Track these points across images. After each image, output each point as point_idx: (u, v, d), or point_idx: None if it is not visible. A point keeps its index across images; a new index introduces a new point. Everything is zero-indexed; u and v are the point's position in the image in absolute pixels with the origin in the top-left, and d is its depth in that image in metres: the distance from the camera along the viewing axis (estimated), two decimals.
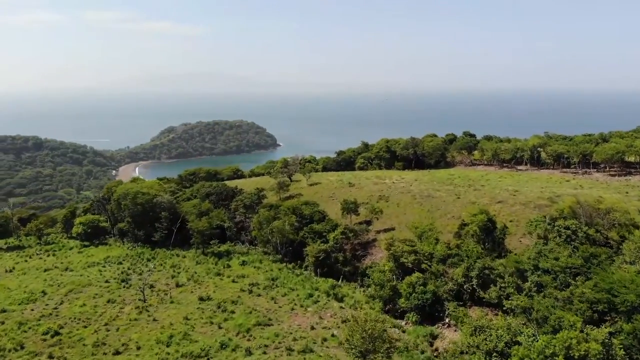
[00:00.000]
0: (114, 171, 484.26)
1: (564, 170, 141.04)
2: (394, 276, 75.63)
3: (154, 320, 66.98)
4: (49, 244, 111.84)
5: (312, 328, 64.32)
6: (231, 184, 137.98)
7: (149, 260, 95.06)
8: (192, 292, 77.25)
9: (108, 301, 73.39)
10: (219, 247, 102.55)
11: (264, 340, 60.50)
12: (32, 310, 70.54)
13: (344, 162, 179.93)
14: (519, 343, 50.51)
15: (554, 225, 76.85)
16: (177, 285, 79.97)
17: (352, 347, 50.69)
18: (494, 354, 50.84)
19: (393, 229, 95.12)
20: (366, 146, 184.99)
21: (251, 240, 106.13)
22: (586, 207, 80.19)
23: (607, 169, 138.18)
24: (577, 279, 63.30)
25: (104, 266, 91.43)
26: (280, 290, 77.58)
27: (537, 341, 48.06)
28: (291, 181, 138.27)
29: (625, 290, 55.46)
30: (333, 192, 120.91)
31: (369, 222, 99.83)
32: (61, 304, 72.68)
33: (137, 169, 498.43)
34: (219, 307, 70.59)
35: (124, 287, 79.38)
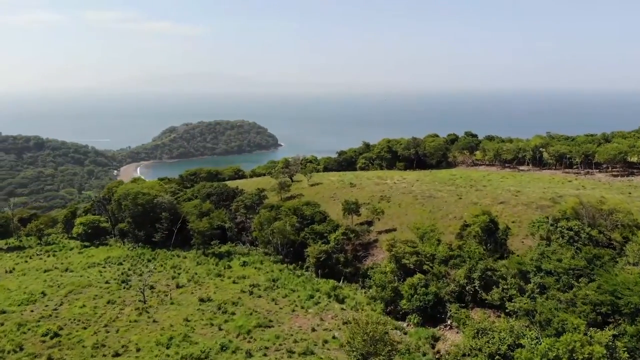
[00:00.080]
0: (115, 171, 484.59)
1: (566, 170, 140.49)
2: (396, 277, 75.19)
3: (154, 321, 66.60)
4: (50, 244, 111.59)
5: (313, 330, 63.88)
6: (232, 184, 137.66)
7: (149, 260, 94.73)
8: (192, 293, 76.87)
9: (108, 302, 73.04)
10: (219, 247, 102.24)
11: (264, 342, 60.07)
12: (32, 311, 70.21)
13: (345, 162, 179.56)
14: (521, 346, 50.04)
15: (556, 226, 76.29)
16: (178, 286, 79.62)
17: (354, 349, 50.28)
18: (497, 356, 50.35)
19: (394, 229, 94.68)
20: (367, 146, 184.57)
21: (252, 240, 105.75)
22: (589, 208, 79.64)
23: (610, 170, 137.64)
24: (580, 280, 62.74)
25: (104, 267, 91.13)
26: (281, 292, 77.16)
27: (541, 344, 47.57)
28: (292, 181, 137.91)
29: (629, 292, 54.93)
30: (334, 193, 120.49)
31: (370, 223, 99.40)
32: (61, 305, 72.34)
33: (138, 169, 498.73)
34: (219, 309, 70.21)
35: (124, 288, 79.04)
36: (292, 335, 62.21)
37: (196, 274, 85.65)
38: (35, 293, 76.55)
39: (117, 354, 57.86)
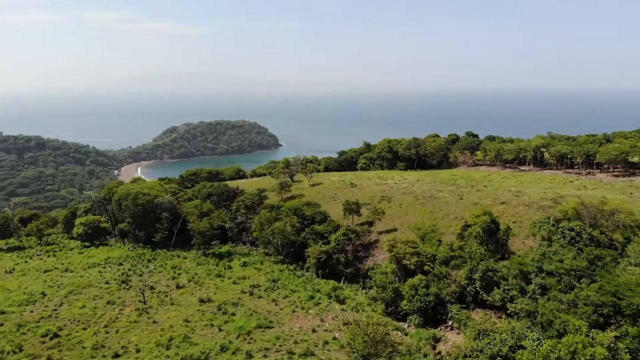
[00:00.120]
0: (116, 171, 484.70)
1: (567, 170, 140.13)
2: (396, 278, 75.02)
3: (154, 322, 66.40)
4: (50, 244, 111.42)
5: (314, 331, 63.64)
6: (233, 184, 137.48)
7: (149, 261, 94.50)
8: (192, 293, 76.65)
9: (108, 303, 72.86)
10: (220, 248, 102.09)
11: (264, 343, 59.85)
12: (32, 311, 70.03)
13: (346, 163, 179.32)
14: (523, 347, 49.87)
15: (558, 227, 76.03)
16: (178, 287, 79.41)
17: (354, 350, 50.05)
18: (498, 358, 50.21)
19: (395, 230, 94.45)
20: (368, 146, 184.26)
21: (252, 241, 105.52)
22: (590, 209, 79.35)
23: (611, 170, 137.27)
24: (581, 281, 62.51)
25: (104, 267, 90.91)
26: (282, 292, 76.92)
27: (542, 345, 47.39)
28: (293, 181, 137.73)
29: (630, 293, 54.70)
30: (335, 193, 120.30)
31: (370, 223, 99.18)
32: (61, 305, 72.18)
33: (139, 168, 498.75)
34: (219, 309, 69.98)
35: (124, 288, 78.83)
36: (292, 336, 61.99)
37: (196, 274, 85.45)
38: (35, 293, 76.37)
39: (116, 355, 57.64)
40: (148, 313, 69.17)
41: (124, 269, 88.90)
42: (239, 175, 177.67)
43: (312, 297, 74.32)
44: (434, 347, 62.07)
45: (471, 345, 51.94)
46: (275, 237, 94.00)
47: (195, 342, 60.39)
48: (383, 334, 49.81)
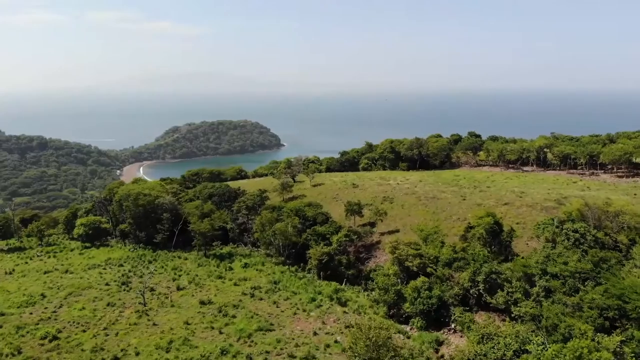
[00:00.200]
0: (118, 171, 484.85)
1: (571, 171, 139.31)
2: (399, 280, 74.28)
3: (154, 324, 65.76)
4: (50, 245, 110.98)
5: (315, 334, 62.94)
6: (234, 184, 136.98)
7: (150, 262, 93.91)
8: (193, 295, 76.01)
9: (108, 304, 72.21)
10: (221, 249, 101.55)
11: (265, 346, 59.18)
12: (31, 313, 69.37)
13: (348, 163, 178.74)
14: (527, 352, 49.15)
15: (562, 228, 75.31)
16: (178, 289, 78.78)
17: (356, 355, 49.36)
18: None
19: (397, 231, 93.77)
20: (370, 147, 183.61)
21: (254, 242, 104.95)
22: (594, 210, 78.56)
23: (615, 170, 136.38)
24: (586, 284, 61.81)
25: (104, 268, 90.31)
26: (283, 294, 76.22)
27: (547, 350, 46.68)
28: (294, 182, 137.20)
29: (636, 297, 53.95)
30: (337, 193, 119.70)
31: (373, 224, 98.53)
32: (60, 307, 71.55)
33: (141, 168, 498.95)
34: (220, 312, 69.30)
35: (124, 290, 78.21)
36: (293, 339, 61.28)
37: (197, 275, 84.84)
38: (35, 295, 75.77)
39: (116, 358, 56.97)
40: (148, 315, 68.54)
41: (124, 270, 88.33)
42: (241, 175, 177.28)
43: (313, 300, 73.59)
44: (436, 351, 61.31)
45: (475, 350, 51.20)
46: (276, 238, 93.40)
47: (195, 345, 59.73)
48: (385, 337, 49.11)
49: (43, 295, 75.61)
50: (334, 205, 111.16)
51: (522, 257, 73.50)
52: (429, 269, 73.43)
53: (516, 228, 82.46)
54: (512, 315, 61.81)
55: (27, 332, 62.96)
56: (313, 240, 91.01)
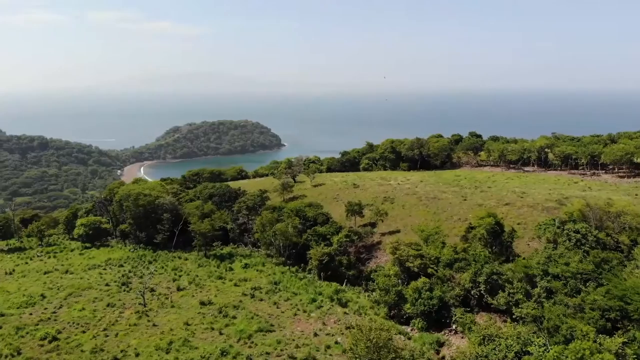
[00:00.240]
0: (119, 171, 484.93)
1: (572, 171, 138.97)
2: (399, 281, 74.03)
3: (154, 325, 65.57)
4: (50, 245, 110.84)
5: (316, 335, 62.74)
6: (235, 184, 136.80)
7: (150, 262, 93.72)
8: (193, 296, 75.82)
9: (108, 305, 72.02)
10: (221, 249, 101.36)
11: (265, 347, 58.98)
12: (31, 314, 69.21)
13: (349, 163, 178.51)
14: (529, 353, 48.81)
15: (563, 229, 75.01)
16: (178, 289, 78.59)
17: (357, 356, 49.11)
18: None
19: (398, 231, 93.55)
20: (371, 147, 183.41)
21: (254, 242, 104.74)
22: (596, 210, 78.31)
23: (616, 171, 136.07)
24: (588, 285, 61.50)
25: (104, 269, 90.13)
26: (283, 295, 76.01)
27: (549, 351, 46.37)
28: (295, 182, 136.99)
29: (638, 298, 53.68)
30: (337, 194, 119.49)
31: (373, 225, 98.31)
32: (60, 307, 71.38)
33: (142, 168, 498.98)
34: (220, 312, 69.08)
35: (124, 290, 78.03)
36: (293, 340, 61.08)
37: (197, 276, 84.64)
38: (35, 295, 75.62)
39: (115, 359, 56.83)
40: (148, 316, 68.36)
41: (124, 271, 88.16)
42: (241, 175, 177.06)
43: (314, 300, 73.37)
44: (437, 352, 61.10)
45: (476, 351, 50.89)
46: (277, 238, 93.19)
47: (195, 346, 59.53)
48: (386, 339, 48.87)
49: (43, 296, 75.47)
50: (334, 205, 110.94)
51: (523, 258, 73.22)
52: (429, 270, 73.20)
53: (517, 228, 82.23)
54: (514, 316, 61.56)
55: (27, 333, 62.81)
56: (314, 240, 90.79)
